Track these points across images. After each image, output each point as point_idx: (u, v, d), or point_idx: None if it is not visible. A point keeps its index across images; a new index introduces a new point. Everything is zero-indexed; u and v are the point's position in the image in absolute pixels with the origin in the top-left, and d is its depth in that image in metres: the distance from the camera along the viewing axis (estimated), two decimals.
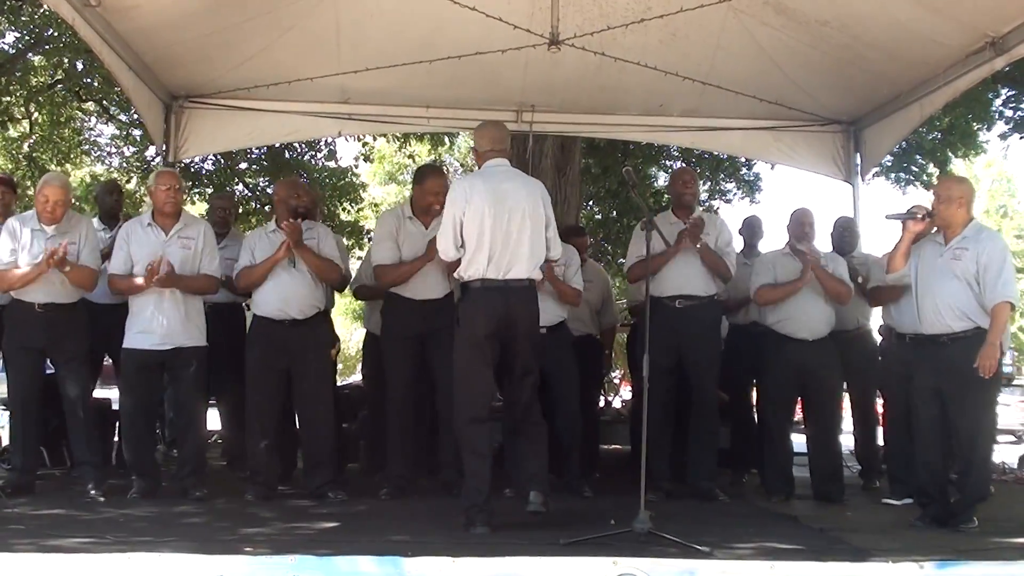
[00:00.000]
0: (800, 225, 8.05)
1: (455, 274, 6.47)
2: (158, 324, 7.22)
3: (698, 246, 7.74)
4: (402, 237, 7.50)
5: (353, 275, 8.47)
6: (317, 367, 7.58)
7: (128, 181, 19.68)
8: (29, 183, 8.06)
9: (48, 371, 7.63)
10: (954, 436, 6.64)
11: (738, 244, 8.51)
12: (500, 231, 6.11)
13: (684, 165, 17.60)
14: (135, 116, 16.78)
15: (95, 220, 8.64)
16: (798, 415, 8.55)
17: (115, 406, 8.73)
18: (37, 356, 7.39)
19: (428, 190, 7.61)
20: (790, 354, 7.84)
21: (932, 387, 6.61)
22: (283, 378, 7.47)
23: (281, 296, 7.39)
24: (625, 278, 9.64)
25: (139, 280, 7.18)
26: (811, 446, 8.10)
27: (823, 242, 8.39)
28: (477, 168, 6.65)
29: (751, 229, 9.51)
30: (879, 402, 8.79)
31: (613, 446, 11.07)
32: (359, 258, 9.49)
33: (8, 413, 7.69)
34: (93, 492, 7.15)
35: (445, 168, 26.45)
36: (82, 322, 7.47)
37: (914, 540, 6.09)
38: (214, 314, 7.88)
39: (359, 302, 12.34)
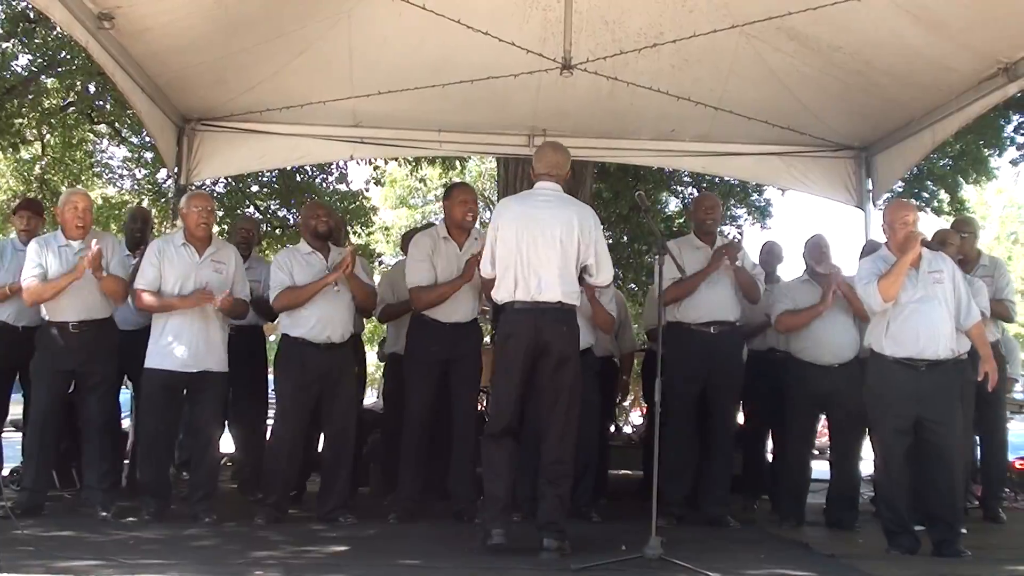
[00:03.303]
0: (817, 248, 8.04)
1: (491, 296, 6.48)
2: (185, 346, 7.19)
3: (737, 263, 7.76)
4: (436, 258, 7.51)
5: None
6: (347, 391, 7.61)
7: (139, 203, 19.70)
8: (56, 208, 8.09)
9: None
10: (934, 464, 6.60)
11: (761, 273, 8.45)
12: (525, 254, 6.13)
13: (701, 191, 17.62)
14: (147, 139, 16.85)
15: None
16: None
17: (124, 427, 8.75)
18: (67, 379, 7.38)
19: (456, 201, 7.67)
20: (813, 382, 7.78)
21: (912, 416, 6.55)
22: (313, 401, 7.46)
23: (324, 319, 7.37)
24: (640, 303, 9.56)
25: (171, 299, 7.19)
26: (833, 472, 8.04)
27: (846, 266, 8.38)
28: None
29: (770, 255, 9.47)
30: None
31: (623, 471, 11.04)
32: None
33: (22, 434, 7.68)
34: (103, 514, 7.15)
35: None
36: (114, 342, 7.48)
37: (925, 567, 6.06)
38: (237, 336, 7.86)
39: (369, 324, 12.33)
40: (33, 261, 7.21)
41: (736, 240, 7.94)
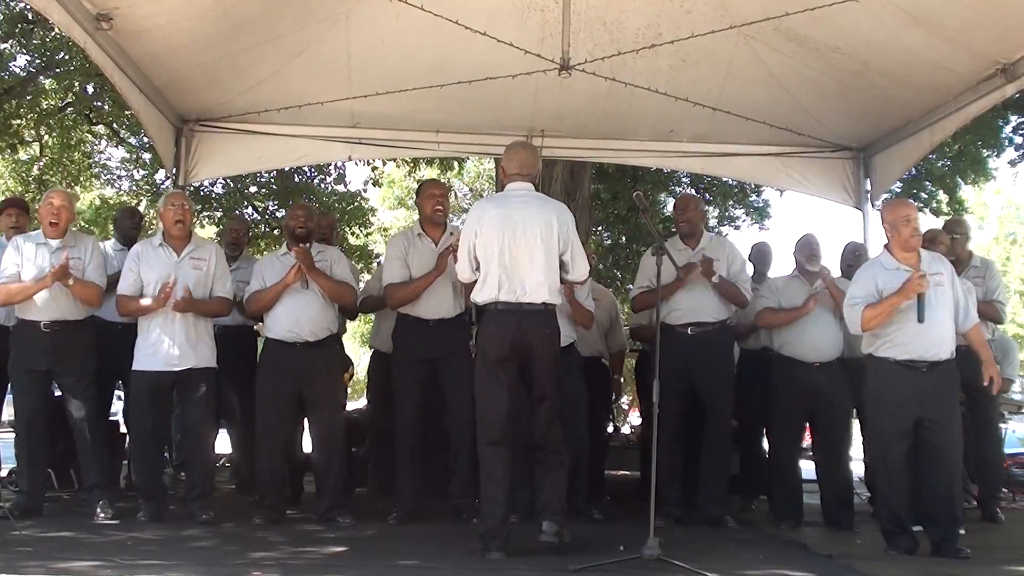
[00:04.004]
0: (808, 247, 8.04)
1: (471, 298, 6.46)
2: (168, 345, 7.19)
3: (714, 280, 7.73)
4: (412, 255, 7.51)
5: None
6: (328, 391, 7.59)
7: (138, 204, 19.69)
8: (38, 206, 8.07)
9: (56, 393, 7.62)
10: (934, 464, 6.59)
11: (748, 270, 8.45)
12: (509, 256, 6.10)
13: (690, 191, 17.61)
14: (145, 139, 16.83)
15: (112, 241, 8.72)
16: (807, 441, 8.52)
17: (123, 427, 8.74)
18: (43, 378, 7.36)
19: (425, 195, 7.76)
20: (799, 378, 7.79)
21: (913, 418, 6.54)
22: (294, 402, 7.46)
23: (293, 318, 7.38)
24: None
25: (146, 301, 7.19)
26: (821, 472, 8.04)
27: (832, 267, 8.36)
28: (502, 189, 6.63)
29: (761, 256, 9.49)
30: None
31: (622, 472, 11.04)
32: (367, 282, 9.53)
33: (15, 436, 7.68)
34: (101, 515, 7.14)
35: (453, 192, 26.56)
36: (89, 342, 7.45)
37: (923, 568, 6.06)
38: (224, 337, 7.86)
39: (367, 326, 12.33)
40: (9, 260, 7.22)
41: (708, 259, 7.82)
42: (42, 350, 7.24)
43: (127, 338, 7.48)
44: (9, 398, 8.01)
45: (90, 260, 7.31)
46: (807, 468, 8.29)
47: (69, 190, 16.74)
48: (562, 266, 6.33)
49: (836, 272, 8.51)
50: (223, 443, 9.15)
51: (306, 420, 7.80)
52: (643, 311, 8.35)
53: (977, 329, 6.77)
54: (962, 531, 6.59)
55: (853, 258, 8.74)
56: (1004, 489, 9.14)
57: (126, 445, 8.76)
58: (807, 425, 8.20)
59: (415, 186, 27.81)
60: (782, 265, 9.77)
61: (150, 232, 12.13)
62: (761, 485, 8.86)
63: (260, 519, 7.24)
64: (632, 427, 15.09)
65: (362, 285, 8.92)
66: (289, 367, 7.39)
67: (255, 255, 11.77)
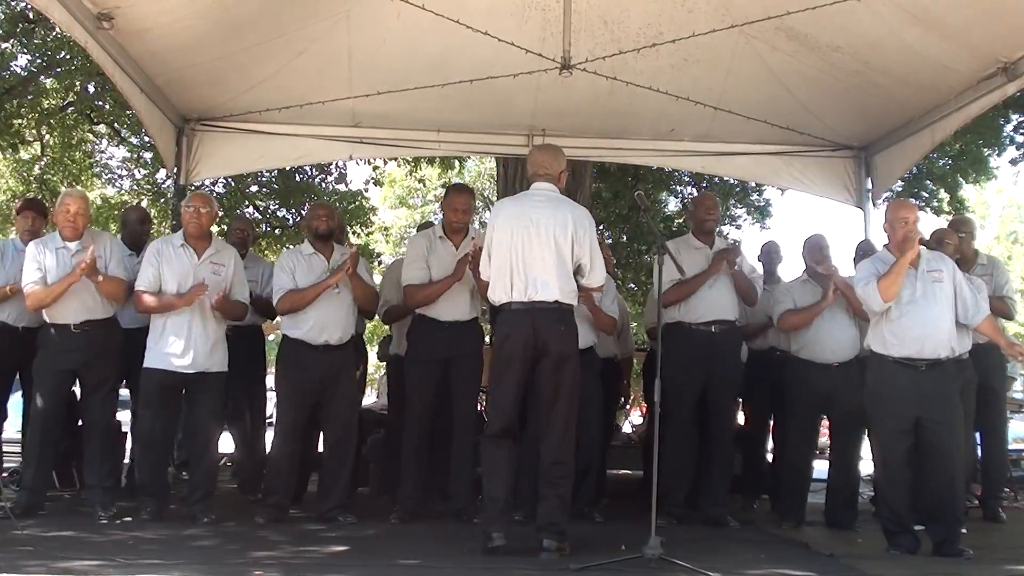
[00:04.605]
0: (818, 249, 8.01)
1: (488, 297, 6.47)
2: (187, 346, 7.16)
3: (735, 267, 7.78)
4: (432, 257, 7.52)
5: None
6: (346, 392, 7.62)
7: (138, 204, 19.66)
8: (53, 209, 8.06)
9: None
10: (935, 464, 6.58)
11: (758, 270, 8.45)
12: (521, 254, 6.11)
13: (700, 190, 17.62)
14: (146, 139, 16.81)
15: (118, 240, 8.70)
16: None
17: (124, 427, 8.72)
18: (68, 378, 7.36)
19: (449, 205, 7.72)
20: (814, 381, 7.74)
21: (912, 417, 6.54)
22: (313, 402, 7.48)
23: (322, 321, 7.39)
24: (640, 303, 9.51)
25: (170, 298, 7.15)
26: (831, 471, 8.02)
27: (844, 266, 8.35)
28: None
29: (769, 255, 9.46)
30: None
31: (623, 471, 11.03)
32: None
33: (21, 434, 7.65)
34: (101, 514, 7.12)
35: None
36: (117, 342, 7.44)
37: (925, 567, 6.05)
38: (236, 336, 7.84)
39: (371, 326, 12.29)
40: (32, 265, 7.17)
41: (736, 244, 7.92)
42: (72, 350, 7.21)
43: (133, 342, 7.47)
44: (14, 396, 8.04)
45: (110, 257, 7.29)
46: (818, 468, 8.28)
47: (81, 190, 16.70)
48: (579, 270, 6.32)
49: (850, 270, 8.48)
50: (224, 442, 9.14)
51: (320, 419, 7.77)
52: (674, 304, 8.21)
53: (989, 320, 6.76)
54: (964, 530, 6.60)
55: (866, 256, 8.71)
56: (1006, 489, 9.13)
57: (127, 445, 8.77)
58: (821, 426, 8.20)
59: (416, 185, 28.09)
60: (789, 265, 9.77)
61: (154, 232, 12.09)
62: (763, 485, 8.87)
63: (263, 517, 7.23)
64: (633, 426, 15.09)
65: None
66: (311, 369, 7.40)
67: (256, 253, 11.76)
